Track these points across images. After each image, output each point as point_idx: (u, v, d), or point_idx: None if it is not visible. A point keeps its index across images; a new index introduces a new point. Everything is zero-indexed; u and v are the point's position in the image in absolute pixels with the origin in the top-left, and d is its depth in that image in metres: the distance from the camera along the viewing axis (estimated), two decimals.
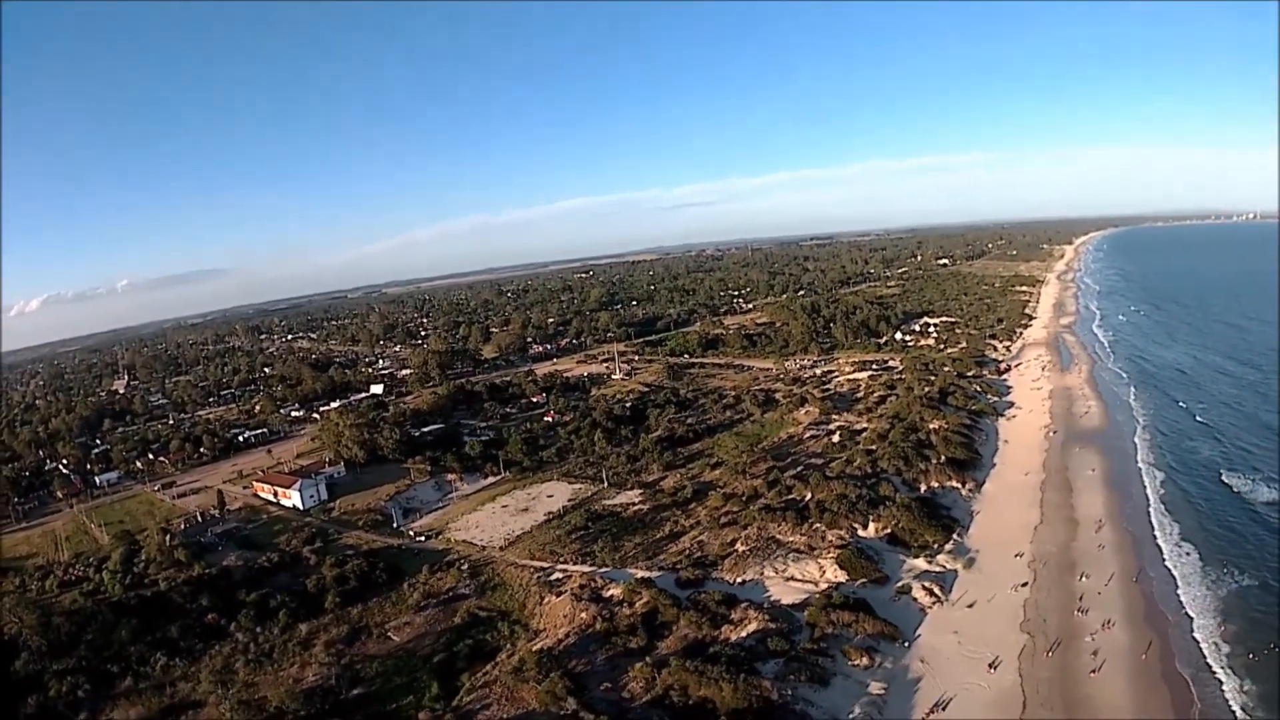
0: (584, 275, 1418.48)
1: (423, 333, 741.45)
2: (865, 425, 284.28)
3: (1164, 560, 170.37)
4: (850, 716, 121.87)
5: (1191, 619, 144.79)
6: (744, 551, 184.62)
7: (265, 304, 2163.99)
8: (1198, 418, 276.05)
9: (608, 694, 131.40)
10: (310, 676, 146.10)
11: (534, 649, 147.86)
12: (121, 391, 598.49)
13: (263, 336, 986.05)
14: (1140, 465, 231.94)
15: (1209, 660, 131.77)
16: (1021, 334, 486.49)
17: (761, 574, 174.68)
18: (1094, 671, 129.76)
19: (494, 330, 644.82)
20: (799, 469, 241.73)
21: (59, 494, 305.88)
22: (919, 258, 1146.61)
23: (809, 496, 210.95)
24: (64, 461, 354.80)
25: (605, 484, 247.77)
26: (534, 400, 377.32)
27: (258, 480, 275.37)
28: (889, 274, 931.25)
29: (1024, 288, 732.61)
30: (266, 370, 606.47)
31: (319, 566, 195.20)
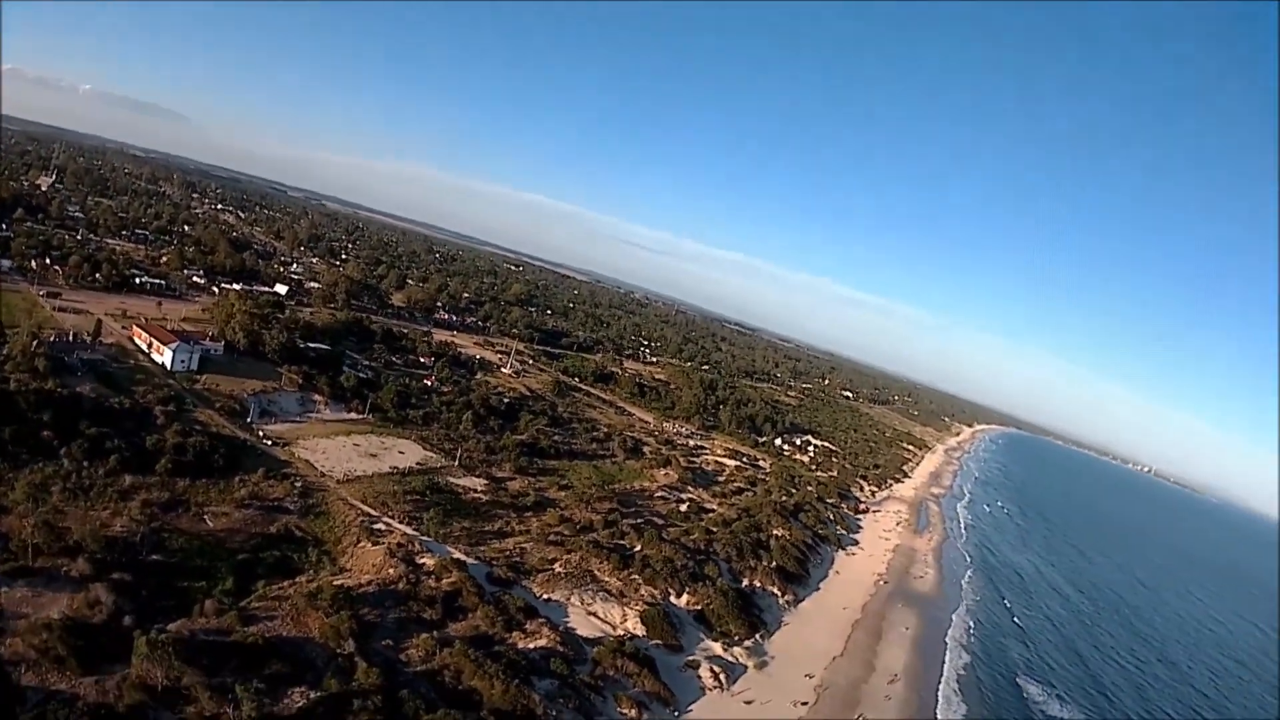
0: (514, 268, 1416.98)
1: (343, 256, 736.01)
2: (715, 507, 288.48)
3: None
4: None
5: None
6: (560, 573, 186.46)
7: (207, 165, 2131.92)
8: (1016, 619, 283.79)
9: (387, 650, 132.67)
10: (118, 526, 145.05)
11: (334, 583, 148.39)
12: (44, 189, 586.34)
13: (194, 195, 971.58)
14: (950, 641, 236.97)
15: None
16: (892, 486, 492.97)
17: (568, 599, 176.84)
18: None
19: (410, 282, 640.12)
20: (639, 521, 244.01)
21: None
22: (827, 381, 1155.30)
23: (638, 548, 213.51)
24: None
25: (456, 463, 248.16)
26: (421, 361, 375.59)
27: (138, 326, 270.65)
28: (793, 384, 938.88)
29: (911, 446, 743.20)
30: (186, 228, 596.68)
31: (164, 428, 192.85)
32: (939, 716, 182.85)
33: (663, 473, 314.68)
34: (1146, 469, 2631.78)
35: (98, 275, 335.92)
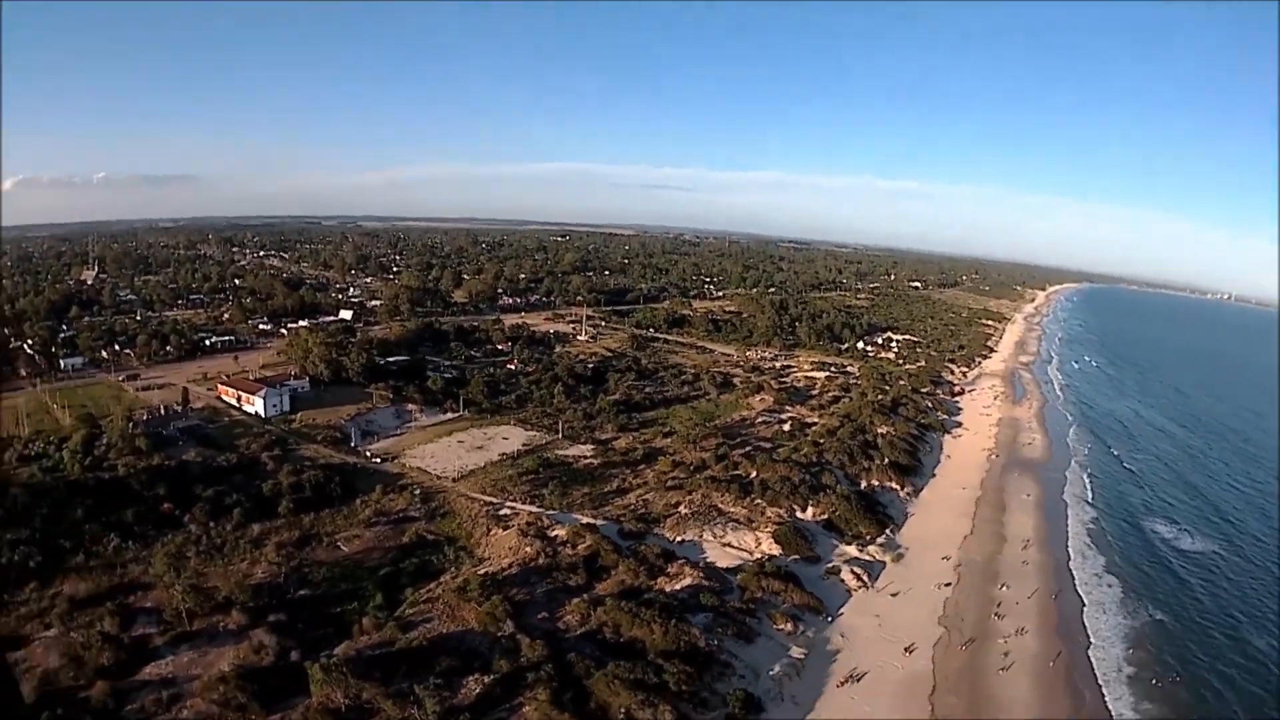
0: (561, 239, 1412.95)
1: (395, 269, 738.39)
2: (816, 420, 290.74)
3: (1083, 585, 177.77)
4: (770, 673, 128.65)
5: (1103, 640, 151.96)
6: (686, 514, 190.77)
7: (238, 218, 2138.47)
8: (1127, 465, 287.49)
9: (544, 623, 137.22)
10: (259, 573, 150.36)
11: (478, 573, 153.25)
12: (90, 282, 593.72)
13: (234, 249, 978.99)
14: (1070, 499, 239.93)
15: (1112, 678, 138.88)
16: (980, 363, 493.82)
17: (700, 537, 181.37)
18: (1002, 670, 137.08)
19: (466, 277, 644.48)
20: (747, 449, 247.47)
21: (22, 372, 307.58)
22: (892, 276, 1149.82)
23: (754, 474, 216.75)
24: (29, 341, 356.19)
25: (560, 435, 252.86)
26: (499, 348, 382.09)
27: (222, 383, 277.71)
28: (860, 286, 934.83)
29: (990, 322, 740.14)
30: (237, 281, 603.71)
31: (276, 472, 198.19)
32: (1074, 573, 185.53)
33: (758, 399, 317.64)
34: (1226, 296, 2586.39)
35: (168, 348, 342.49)
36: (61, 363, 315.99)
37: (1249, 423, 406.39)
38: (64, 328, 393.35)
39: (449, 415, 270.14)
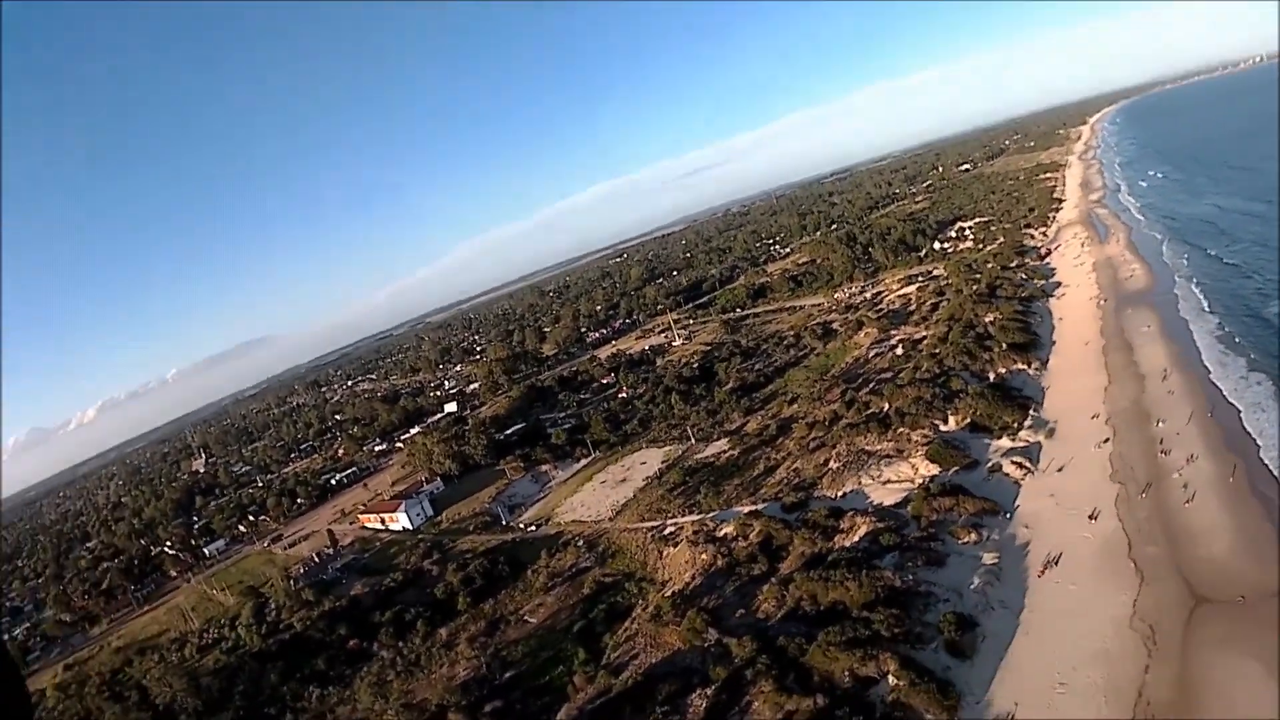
0: (619, 260, 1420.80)
1: (478, 348, 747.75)
2: (924, 333, 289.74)
3: (1233, 394, 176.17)
4: (971, 587, 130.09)
5: (1270, 440, 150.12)
6: (838, 468, 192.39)
7: (315, 360, 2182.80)
8: (1228, 261, 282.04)
9: (743, 619, 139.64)
10: (461, 672, 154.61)
11: (665, 595, 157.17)
12: (202, 470, 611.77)
13: (323, 389, 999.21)
14: (1189, 315, 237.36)
15: None
16: (1055, 218, 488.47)
17: (859, 484, 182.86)
18: (1187, 502, 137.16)
19: (547, 329, 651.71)
20: (871, 385, 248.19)
21: (172, 573, 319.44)
22: (940, 169, 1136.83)
23: (887, 407, 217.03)
24: (168, 543, 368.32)
25: (692, 440, 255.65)
26: (604, 382, 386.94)
27: (362, 513, 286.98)
28: (914, 190, 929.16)
29: (1048, 175, 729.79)
30: (338, 417, 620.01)
31: (443, 575, 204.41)
32: (1220, 385, 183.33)
33: (862, 334, 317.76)
34: (1258, 59, 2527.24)
35: (299, 500, 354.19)
36: (205, 551, 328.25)
37: None
38: (195, 518, 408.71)
39: (582, 463, 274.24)
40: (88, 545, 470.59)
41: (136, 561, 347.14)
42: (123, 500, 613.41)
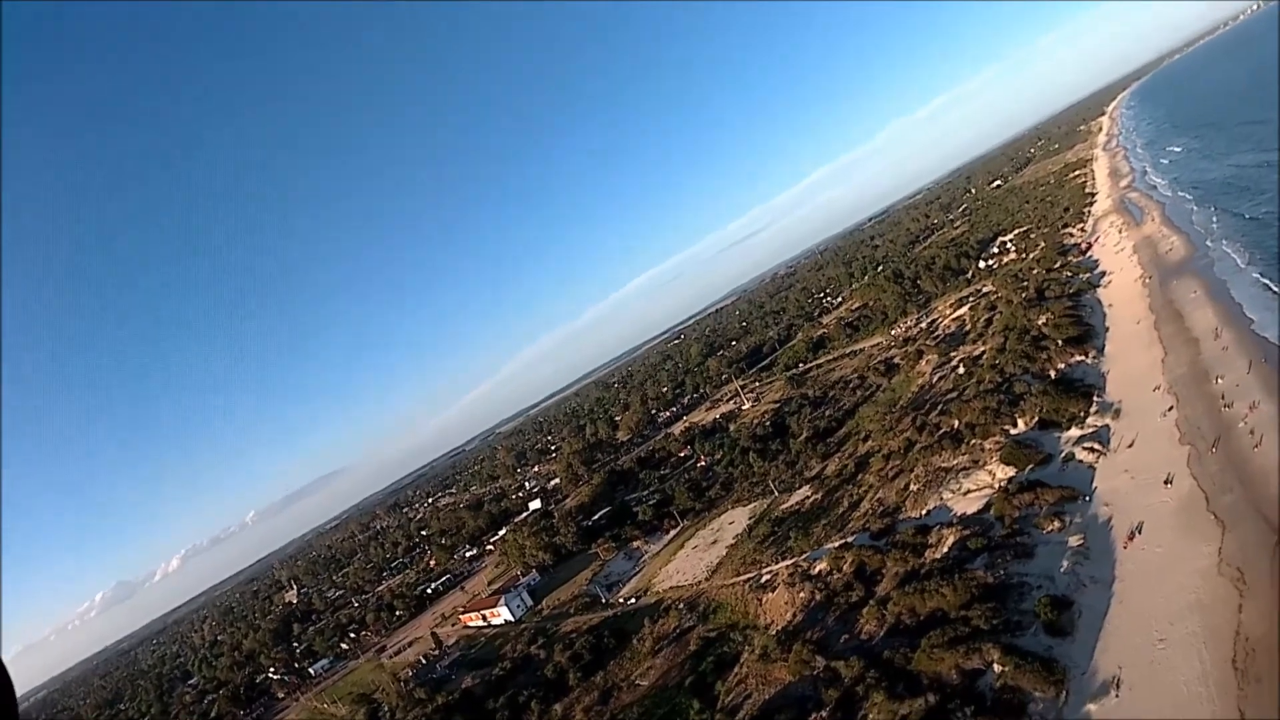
0: (677, 341, 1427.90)
1: (553, 447, 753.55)
2: (982, 348, 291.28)
3: None
4: (1061, 570, 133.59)
5: None
6: (919, 489, 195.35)
7: (392, 485, 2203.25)
8: (1258, 216, 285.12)
9: (848, 644, 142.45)
10: None
11: (770, 633, 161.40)
12: (295, 600, 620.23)
13: (405, 510, 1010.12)
14: (1231, 272, 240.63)
15: None
16: (1090, 212, 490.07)
17: (941, 499, 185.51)
18: (1256, 446, 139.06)
19: (617, 418, 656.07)
20: (940, 407, 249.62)
21: (279, 695, 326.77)
22: (973, 190, 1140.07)
23: (957, 423, 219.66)
24: (272, 669, 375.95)
25: (775, 493, 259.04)
26: (681, 455, 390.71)
27: (462, 613, 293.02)
28: (951, 217, 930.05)
29: (1077, 172, 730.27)
30: (424, 532, 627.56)
31: (550, 657, 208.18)
32: (1266, 333, 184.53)
33: (923, 363, 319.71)
34: (1254, 7, 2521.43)
35: (397, 613, 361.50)
36: (310, 670, 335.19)
37: None
38: (295, 644, 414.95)
39: (671, 533, 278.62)
40: (190, 683, 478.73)
41: (242, 690, 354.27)
42: (219, 638, 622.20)
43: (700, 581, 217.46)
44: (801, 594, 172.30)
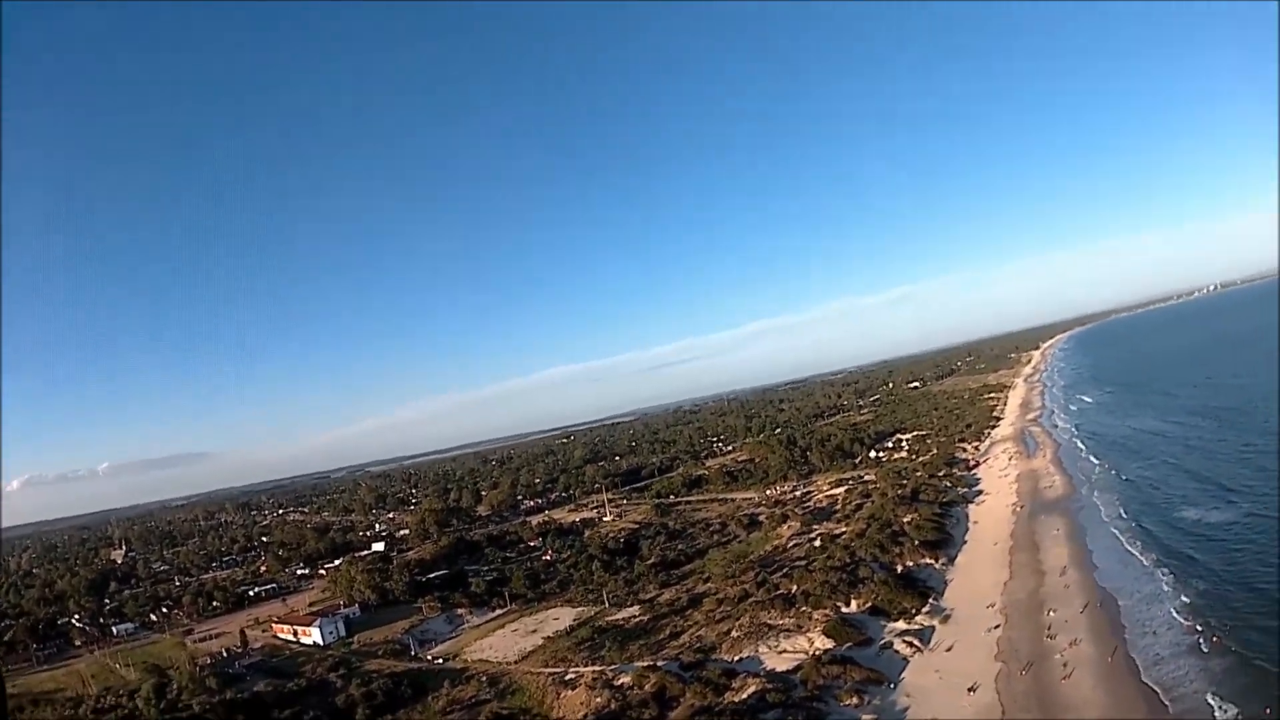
0: (565, 441, 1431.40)
1: (413, 501, 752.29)
2: (844, 529, 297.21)
3: (1127, 588, 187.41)
4: None
5: (1156, 625, 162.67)
6: (739, 636, 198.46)
7: (249, 486, 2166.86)
8: (1141, 475, 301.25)
9: None
10: None
11: None
12: (120, 561, 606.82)
13: (253, 513, 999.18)
14: (1099, 521, 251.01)
15: (1167, 655, 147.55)
16: (989, 434, 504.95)
17: (756, 650, 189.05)
18: (1065, 679, 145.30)
19: (484, 492, 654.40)
20: (785, 570, 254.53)
21: (76, 642, 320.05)
22: (890, 385, 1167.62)
23: (794, 588, 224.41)
24: (76, 616, 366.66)
25: (606, 604, 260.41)
26: (531, 544, 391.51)
27: (276, 623, 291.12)
28: (861, 404, 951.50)
29: (992, 395, 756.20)
30: (264, 539, 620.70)
31: (346, 688, 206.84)
32: (1115, 580, 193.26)
33: (785, 527, 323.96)
34: (1213, 288, 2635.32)
35: (215, 603, 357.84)
36: (114, 630, 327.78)
37: (1235, 397, 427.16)
38: (107, 601, 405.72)
39: (497, 611, 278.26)
40: None
41: (41, 626, 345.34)
42: (34, 571, 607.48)
43: (509, 662, 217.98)
44: (598, 699, 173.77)
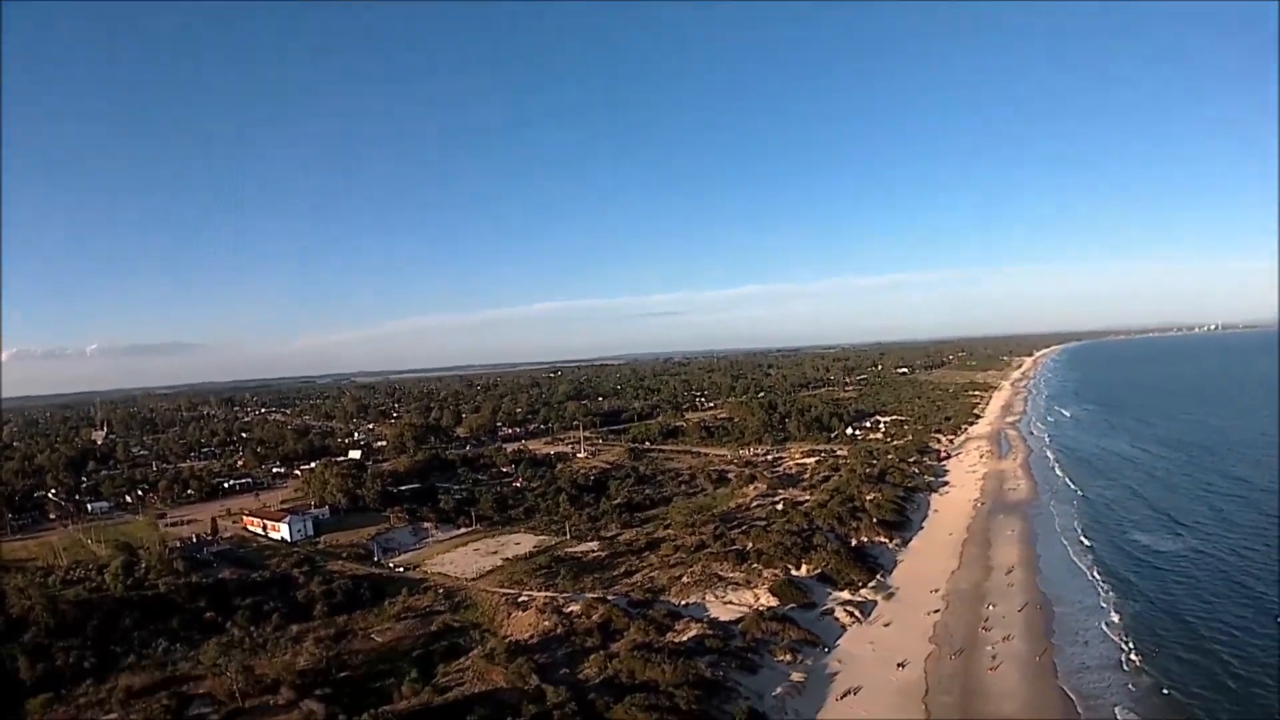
0: (552, 375, 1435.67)
1: (395, 415, 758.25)
2: (807, 498, 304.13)
3: (1068, 595, 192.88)
4: (773, 694, 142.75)
5: (1088, 635, 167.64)
6: (689, 582, 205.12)
7: (234, 382, 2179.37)
8: (1100, 493, 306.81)
9: (566, 677, 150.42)
10: (302, 662, 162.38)
11: (504, 640, 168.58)
12: (100, 442, 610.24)
13: (236, 409, 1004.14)
14: (1054, 529, 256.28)
15: (1095, 666, 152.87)
16: (966, 429, 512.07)
17: (704, 599, 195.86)
18: (991, 669, 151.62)
19: (465, 415, 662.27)
20: (744, 528, 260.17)
21: (51, 515, 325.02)
22: (879, 367, 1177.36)
23: (750, 545, 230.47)
24: (53, 490, 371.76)
25: (568, 536, 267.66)
26: (504, 470, 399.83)
27: (247, 515, 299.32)
28: (848, 380, 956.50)
29: (977, 392, 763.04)
30: (244, 434, 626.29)
31: (307, 584, 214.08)
32: (1058, 586, 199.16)
33: (751, 488, 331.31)
34: (1213, 327, 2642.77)
35: (189, 491, 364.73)
36: (89, 507, 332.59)
37: (1203, 432, 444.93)
38: (84, 479, 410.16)
39: (462, 530, 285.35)
40: None
41: (18, 498, 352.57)
42: (15, 444, 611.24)
43: (467, 579, 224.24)
44: (547, 623, 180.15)
